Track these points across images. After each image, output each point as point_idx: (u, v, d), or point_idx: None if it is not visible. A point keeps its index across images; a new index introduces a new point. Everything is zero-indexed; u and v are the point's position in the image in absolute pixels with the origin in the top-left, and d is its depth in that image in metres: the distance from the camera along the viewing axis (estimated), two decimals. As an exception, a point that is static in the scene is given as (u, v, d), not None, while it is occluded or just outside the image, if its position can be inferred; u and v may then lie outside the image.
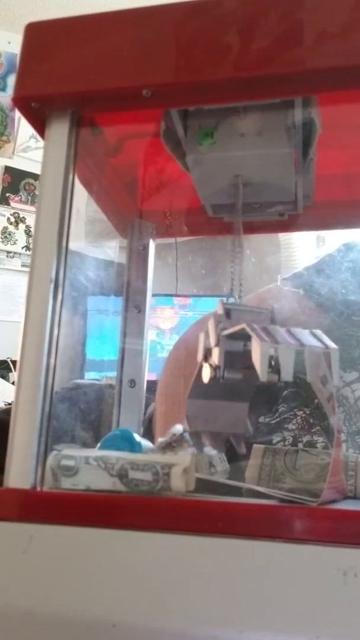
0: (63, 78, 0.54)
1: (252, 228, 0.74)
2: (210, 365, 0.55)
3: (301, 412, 0.72)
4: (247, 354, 0.54)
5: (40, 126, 0.56)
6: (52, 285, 0.51)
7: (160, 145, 0.61)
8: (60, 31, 0.55)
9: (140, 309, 0.74)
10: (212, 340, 0.56)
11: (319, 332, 0.52)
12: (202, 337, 0.57)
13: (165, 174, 0.73)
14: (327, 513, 0.43)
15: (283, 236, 1.67)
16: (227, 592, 0.41)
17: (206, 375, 0.56)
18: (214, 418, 0.58)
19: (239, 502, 0.46)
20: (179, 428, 0.60)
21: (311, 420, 0.71)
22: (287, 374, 0.50)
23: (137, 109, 0.55)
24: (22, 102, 0.54)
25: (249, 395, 0.60)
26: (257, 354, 0.49)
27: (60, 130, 0.55)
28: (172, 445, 0.58)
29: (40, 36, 0.55)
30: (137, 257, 0.78)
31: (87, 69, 0.53)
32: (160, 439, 0.58)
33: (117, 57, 0.52)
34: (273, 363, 0.49)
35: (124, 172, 0.73)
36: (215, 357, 0.55)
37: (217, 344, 0.55)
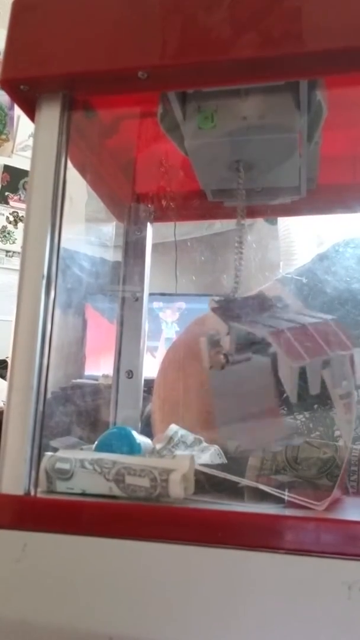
0: (53, 59, 0.50)
1: (253, 212, 0.72)
2: (224, 355, 0.55)
3: (301, 417, 0.70)
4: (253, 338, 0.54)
5: (30, 110, 0.53)
6: (44, 282, 0.49)
7: (157, 126, 0.58)
8: (50, 8, 0.51)
9: (138, 297, 0.72)
10: (223, 330, 0.55)
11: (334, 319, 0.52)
12: (203, 340, 0.55)
13: (163, 157, 0.69)
14: (332, 524, 0.41)
15: (282, 231, 1.63)
16: (227, 605, 0.40)
17: (218, 364, 0.55)
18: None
19: (239, 512, 0.45)
20: (173, 429, 0.59)
21: (311, 425, 0.70)
22: (314, 389, 0.52)
23: (133, 92, 0.52)
24: (10, 84, 0.51)
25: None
26: (286, 373, 0.49)
27: (51, 113, 0.52)
28: (170, 450, 0.56)
29: (29, 14, 0.51)
30: (135, 241, 0.75)
31: (79, 49, 0.50)
32: (157, 445, 0.56)
33: (111, 36, 0.49)
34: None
35: (119, 154, 0.69)
36: (227, 344, 0.54)
37: (227, 333, 0.54)
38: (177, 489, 0.44)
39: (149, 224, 0.77)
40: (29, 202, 0.52)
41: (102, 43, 0.49)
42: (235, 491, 0.52)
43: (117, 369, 0.70)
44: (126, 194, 0.75)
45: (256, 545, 0.40)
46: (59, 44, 0.50)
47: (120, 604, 0.41)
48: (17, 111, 2.47)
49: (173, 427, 0.59)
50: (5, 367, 1.99)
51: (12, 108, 2.51)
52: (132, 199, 0.75)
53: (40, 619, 0.42)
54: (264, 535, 0.41)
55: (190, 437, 0.60)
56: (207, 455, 0.57)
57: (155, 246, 0.76)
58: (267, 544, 0.40)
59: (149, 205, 0.77)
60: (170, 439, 0.57)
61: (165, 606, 0.40)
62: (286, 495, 0.48)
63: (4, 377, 1.92)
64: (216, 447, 0.60)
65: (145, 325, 0.71)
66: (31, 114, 0.53)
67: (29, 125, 0.54)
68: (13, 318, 0.49)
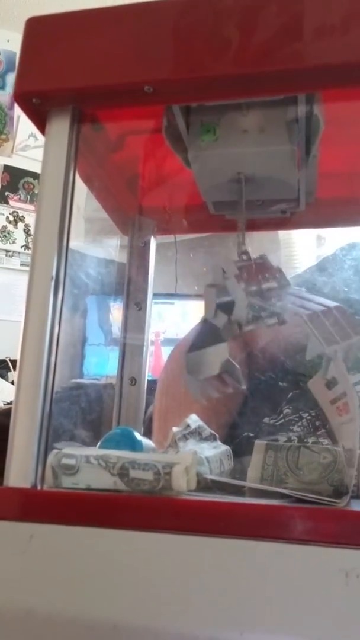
0: (64, 74, 0.53)
1: (254, 225, 0.74)
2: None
3: (306, 415, 0.71)
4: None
5: (41, 122, 0.56)
6: (52, 283, 0.51)
7: (162, 141, 0.61)
8: (61, 26, 0.54)
9: (141, 306, 0.74)
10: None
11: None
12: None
13: (167, 170, 0.72)
14: (329, 514, 0.43)
15: (283, 235, 1.66)
16: (228, 593, 0.41)
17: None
18: (208, 364, 0.59)
19: (240, 502, 0.46)
20: (193, 418, 0.60)
21: (317, 423, 0.71)
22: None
23: (139, 105, 0.55)
24: (22, 98, 0.54)
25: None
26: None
27: (61, 126, 0.55)
28: (185, 436, 0.57)
29: (41, 31, 0.54)
30: (138, 254, 0.77)
31: (88, 65, 0.53)
32: (174, 429, 0.57)
33: (119, 52, 0.52)
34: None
35: (124, 168, 0.72)
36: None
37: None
38: (180, 481, 0.45)
39: (152, 237, 0.79)
40: (39, 209, 0.54)
41: (110, 58, 0.52)
42: (236, 490, 0.53)
43: (120, 376, 0.72)
44: (131, 207, 0.77)
45: (257, 535, 0.42)
46: (70, 59, 0.53)
47: (125, 593, 0.42)
48: (17, 111, 2.47)
49: (193, 417, 0.60)
50: (5, 367, 1.98)
51: (11, 108, 2.53)
52: (136, 212, 0.77)
53: (46, 608, 0.43)
54: (264, 525, 0.42)
55: (207, 431, 0.61)
56: (218, 452, 0.58)
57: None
58: (267, 534, 0.42)
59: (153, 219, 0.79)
60: (188, 425, 0.58)
61: (168, 595, 0.41)
62: (302, 495, 0.48)
63: (2, 377, 1.91)
64: (228, 447, 0.61)
65: (149, 333, 0.73)
66: (42, 126, 0.56)
67: (28, 125, 0.56)
68: (22, 318, 0.50)
